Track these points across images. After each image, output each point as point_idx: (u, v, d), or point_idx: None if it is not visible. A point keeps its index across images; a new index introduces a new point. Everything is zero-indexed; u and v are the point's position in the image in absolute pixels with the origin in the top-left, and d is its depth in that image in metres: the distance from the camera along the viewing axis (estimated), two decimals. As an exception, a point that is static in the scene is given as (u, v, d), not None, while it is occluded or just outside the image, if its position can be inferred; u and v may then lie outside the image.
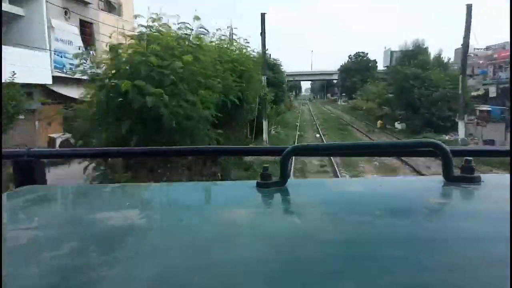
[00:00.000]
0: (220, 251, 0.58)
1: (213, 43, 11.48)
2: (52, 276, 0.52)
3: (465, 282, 0.49)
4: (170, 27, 8.17)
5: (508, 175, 0.88)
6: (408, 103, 26.38)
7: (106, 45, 7.78)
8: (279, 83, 30.25)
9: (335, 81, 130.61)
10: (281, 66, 32.62)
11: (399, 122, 28.48)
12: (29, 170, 1.08)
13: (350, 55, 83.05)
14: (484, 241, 0.60)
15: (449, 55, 43.17)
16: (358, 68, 77.75)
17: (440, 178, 0.84)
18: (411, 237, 0.62)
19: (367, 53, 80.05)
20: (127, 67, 7.22)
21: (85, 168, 6.77)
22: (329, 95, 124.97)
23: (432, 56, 33.13)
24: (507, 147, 1.07)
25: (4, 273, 0.51)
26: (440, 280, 0.49)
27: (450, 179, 0.83)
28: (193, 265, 0.54)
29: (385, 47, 68.89)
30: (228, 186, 1.14)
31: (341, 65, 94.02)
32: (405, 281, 0.49)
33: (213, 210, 0.80)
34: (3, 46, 13.75)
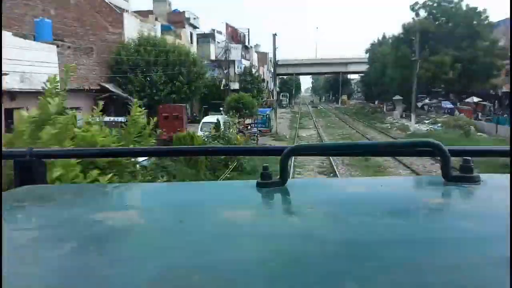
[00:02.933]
0: (220, 251, 0.58)
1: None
2: (52, 276, 0.53)
3: (465, 282, 0.49)
4: None
5: (507, 175, 0.90)
6: None
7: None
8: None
9: (351, 76, 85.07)
10: None
11: None
12: (30, 170, 1.08)
13: (416, 2, 35.47)
14: (483, 241, 0.60)
15: None
16: (448, 29, 30.40)
17: (439, 178, 0.84)
18: (411, 237, 0.62)
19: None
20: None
21: None
22: (344, 97, 78.62)
23: None
24: (507, 147, 1.05)
25: (4, 273, 0.51)
26: (440, 280, 0.49)
27: (449, 178, 0.83)
28: (193, 265, 0.54)
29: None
30: (228, 185, 1.15)
31: (374, 41, 48.22)
32: (405, 281, 0.49)
33: (213, 209, 0.79)
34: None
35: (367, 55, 58.90)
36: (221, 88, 33.94)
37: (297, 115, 45.18)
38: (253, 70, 45.12)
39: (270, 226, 0.68)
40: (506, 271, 0.47)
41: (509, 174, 0.85)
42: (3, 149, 1.08)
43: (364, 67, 64.68)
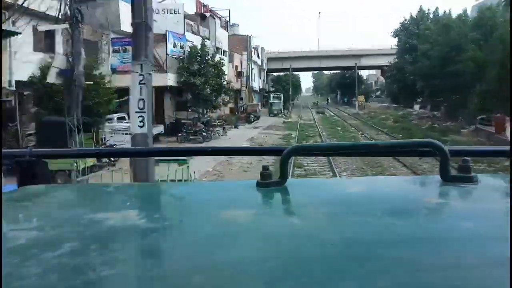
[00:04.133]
0: (220, 251, 0.58)
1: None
2: (51, 276, 0.53)
3: (464, 282, 0.50)
4: None
5: (504, 175, 0.92)
6: None
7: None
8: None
9: (362, 72, 66.21)
10: None
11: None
12: (31, 170, 1.08)
13: None
14: (481, 240, 0.60)
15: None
16: None
17: (438, 177, 0.85)
18: (410, 236, 0.63)
19: None
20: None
21: None
22: (361, 98, 59.28)
23: None
24: (507, 147, 1.06)
25: (4, 273, 0.51)
26: (439, 279, 0.49)
27: (447, 179, 0.84)
28: (193, 265, 0.54)
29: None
30: (228, 185, 1.17)
31: (406, 19, 28.21)
32: (404, 280, 0.50)
33: (212, 209, 0.79)
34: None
35: (384, 45, 39.52)
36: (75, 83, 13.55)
37: (293, 135, 24.99)
38: (217, 56, 24.90)
39: (270, 226, 0.69)
40: (505, 271, 0.47)
41: (505, 174, 0.85)
42: (3, 149, 1.08)
43: (383, 60, 46.85)
